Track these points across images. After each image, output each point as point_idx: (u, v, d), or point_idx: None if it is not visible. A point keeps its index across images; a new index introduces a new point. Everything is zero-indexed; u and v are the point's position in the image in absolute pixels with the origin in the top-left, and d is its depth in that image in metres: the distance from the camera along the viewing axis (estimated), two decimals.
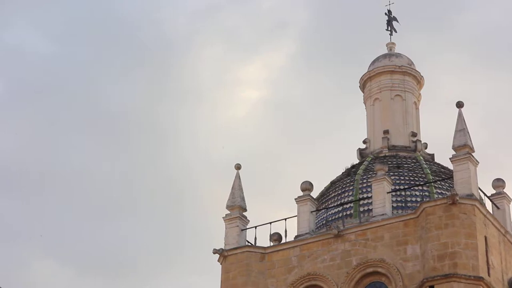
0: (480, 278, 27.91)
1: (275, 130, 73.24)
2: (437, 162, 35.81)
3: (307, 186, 32.76)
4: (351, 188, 33.73)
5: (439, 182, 32.97)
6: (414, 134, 36.82)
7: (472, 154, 30.19)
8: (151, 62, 76.64)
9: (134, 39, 76.72)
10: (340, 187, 34.33)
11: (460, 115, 30.89)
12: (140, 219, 72.60)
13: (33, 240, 71.96)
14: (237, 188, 33.86)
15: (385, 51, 39.61)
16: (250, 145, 70.92)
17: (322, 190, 35.37)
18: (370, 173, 33.45)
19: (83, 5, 79.29)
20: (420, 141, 36.83)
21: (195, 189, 73.25)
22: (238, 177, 34.19)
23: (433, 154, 36.71)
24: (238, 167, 34.31)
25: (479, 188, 30.62)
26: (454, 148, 30.36)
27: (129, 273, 71.76)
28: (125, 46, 77.05)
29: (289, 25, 78.76)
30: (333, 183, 35.33)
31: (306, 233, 32.11)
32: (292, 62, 76.90)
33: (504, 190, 33.01)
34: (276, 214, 52.27)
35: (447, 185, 32.58)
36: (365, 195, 32.77)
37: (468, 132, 30.49)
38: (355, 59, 61.55)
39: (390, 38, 40.10)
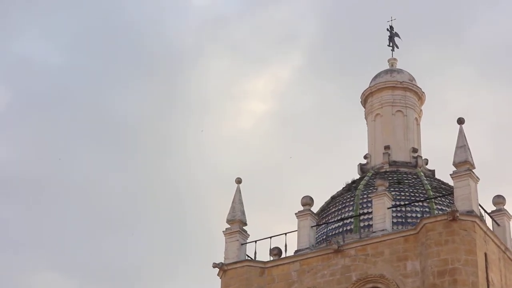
0: None
1: (280, 143, 73.36)
2: (438, 178, 35.82)
3: (307, 201, 32.77)
4: (351, 203, 33.73)
5: (439, 198, 32.97)
6: (415, 150, 36.85)
7: (473, 170, 30.21)
8: (159, 73, 76.95)
9: (143, 50, 77.09)
10: (341, 202, 34.34)
11: (461, 132, 30.93)
12: (143, 230, 72.64)
13: (35, 250, 72.12)
14: (237, 202, 33.88)
15: (387, 66, 39.71)
16: (254, 158, 71.09)
17: (323, 205, 35.37)
18: (371, 188, 33.46)
19: (92, 16, 79.68)
20: (421, 157, 36.86)
21: (200, 201, 73.28)
22: (238, 191, 34.21)
23: (434, 170, 36.74)
24: (238, 181, 34.33)
25: (480, 205, 30.64)
26: (454, 164, 30.39)
27: (131, 285, 71.67)
28: (134, 57, 77.41)
29: (296, 38, 79.14)
30: (333, 198, 35.33)
31: (306, 248, 32.10)
32: (299, 75, 77.21)
33: (505, 207, 33.01)
34: (277, 228, 52.17)
35: (448, 201, 32.57)
36: (365, 211, 32.78)
37: (469, 149, 30.52)
38: (360, 73, 61.65)
39: (392, 54, 40.21)
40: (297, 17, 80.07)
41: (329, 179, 62.05)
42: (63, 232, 72.21)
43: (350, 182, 35.88)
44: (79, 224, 72.08)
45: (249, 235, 33.60)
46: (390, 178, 34.25)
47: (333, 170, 61.82)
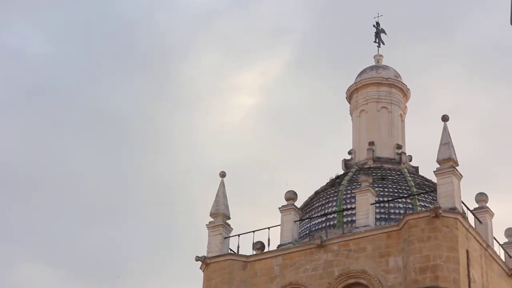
0: None
1: (267, 138, 73.50)
2: (421, 174, 35.94)
3: (291, 196, 32.82)
4: (335, 198, 33.80)
5: (422, 195, 33.08)
6: (399, 147, 36.95)
7: (456, 168, 30.33)
8: (148, 66, 76.90)
9: (132, 43, 77.01)
10: (324, 198, 34.39)
11: (445, 129, 31.02)
12: (131, 224, 72.64)
13: (22, 242, 71.93)
14: (221, 196, 33.88)
15: (373, 63, 39.75)
16: (240, 152, 71.14)
17: (306, 200, 35.42)
18: (354, 184, 33.55)
19: (82, 8, 79.50)
20: (405, 153, 36.95)
21: (187, 195, 73.35)
22: (222, 184, 34.21)
23: (418, 166, 36.86)
24: (223, 174, 34.34)
25: (462, 202, 30.78)
26: (438, 161, 30.49)
27: (117, 278, 71.58)
28: (123, 50, 77.32)
29: (286, 33, 79.21)
30: (317, 193, 35.38)
31: (289, 243, 32.16)
32: (287, 70, 77.31)
33: (487, 205, 33.15)
34: (260, 223, 52.29)
35: (431, 198, 32.69)
36: (348, 206, 32.85)
37: (453, 146, 30.63)
38: (348, 69, 61.84)
39: (378, 50, 40.28)
40: (287, 12, 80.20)
41: (313, 174, 62.24)
42: (50, 224, 72.23)
43: (334, 177, 35.94)
44: (66, 217, 72.10)
45: (232, 228, 33.62)
46: (374, 174, 34.33)
47: (317, 165, 61.98)
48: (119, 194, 73.82)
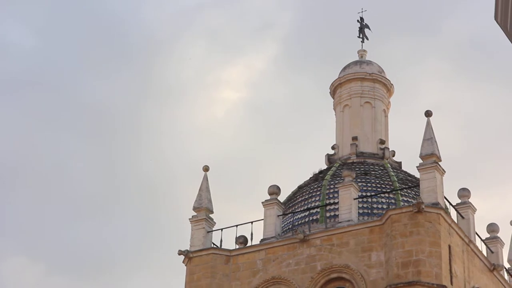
0: (443, 286, 28.10)
1: (251, 133, 73.55)
2: (404, 170, 36.02)
3: (274, 190, 32.81)
4: (318, 193, 33.82)
5: (405, 190, 33.16)
6: (382, 142, 37.01)
7: (439, 163, 30.40)
8: (135, 60, 76.81)
9: (118, 36, 76.85)
10: (307, 192, 34.40)
11: (428, 124, 31.08)
12: (115, 217, 72.57)
13: (3, 236, 71.63)
14: (204, 190, 33.83)
15: (357, 58, 39.78)
16: (225, 147, 71.12)
17: (290, 195, 35.43)
18: (338, 179, 33.57)
19: (69, 0, 79.16)
20: (388, 148, 37.03)
21: (173, 188, 73.31)
22: (206, 179, 34.16)
23: (401, 162, 36.95)
24: (206, 169, 34.29)
25: (445, 197, 30.86)
26: (421, 156, 30.56)
27: (101, 271, 71.58)
28: (109, 43, 77.09)
29: (272, 28, 79.30)
30: (300, 187, 35.41)
31: (272, 237, 32.15)
32: (273, 65, 77.36)
33: (469, 200, 33.26)
34: (244, 217, 52.34)
35: (413, 193, 32.78)
36: (332, 201, 32.88)
37: (435, 141, 30.70)
38: (332, 64, 61.94)
39: (362, 45, 40.35)
40: (273, 7, 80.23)
41: (296, 168, 62.26)
42: (36, 218, 71.94)
43: (317, 172, 35.97)
44: (52, 211, 71.91)
45: (215, 223, 33.60)
46: (357, 169, 34.38)
47: (301, 160, 62.09)
48: (104, 188, 73.76)
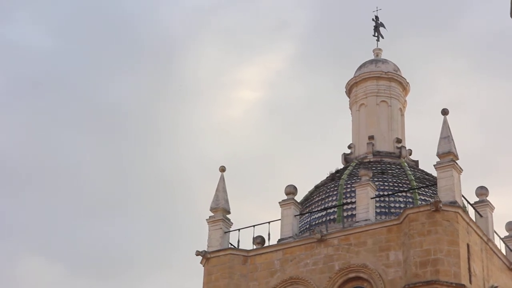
0: (462, 285, 27.98)
1: (269, 132, 73.54)
2: (421, 168, 35.90)
3: (291, 190, 32.78)
4: (335, 193, 33.77)
5: (422, 189, 33.05)
6: (398, 140, 36.91)
7: (456, 161, 30.29)
8: (150, 60, 76.90)
9: (134, 36, 77.02)
10: (324, 192, 34.36)
11: (445, 122, 30.97)
12: (132, 217, 72.70)
13: (22, 237, 71.94)
14: (221, 190, 33.85)
15: (373, 57, 39.69)
16: (242, 146, 71.16)
17: (306, 194, 35.39)
18: (354, 178, 33.51)
19: (84, 2, 79.51)
20: (405, 147, 36.92)
21: (189, 188, 73.40)
22: (222, 179, 34.17)
23: (418, 160, 36.83)
24: (222, 169, 34.30)
25: (463, 196, 30.75)
26: (438, 155, 30.46)
27: (118, 271, 71.80)
28: (124, 44, 77.30)
29: (288, 27, 79.32)
30: (317, 187, 35.36)
31: (289, 237, 32.13)
32: (290, 64, 77.30)
33: (487, 198, 33.13)
34: (261, 217, 52.33)
35: (431, 192, 32.67)
36: (349, 200, 32.81)
37: (452, 140, 30.59)
38: (348, 63, 61.76)
39: (377, 44, 40.25)
40: (288, 6, 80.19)
41: (313, 168, 62.21)
42: (50, 217, 72.32)
43: (334, 171, 35.91)
44: (67, 211, 72.16)
45: (232, 223, 33.60)
46: (373, 168, 34.30)
47: (317, 159, 62.01)
48: (120, 189, 73.92)
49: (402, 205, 32.01)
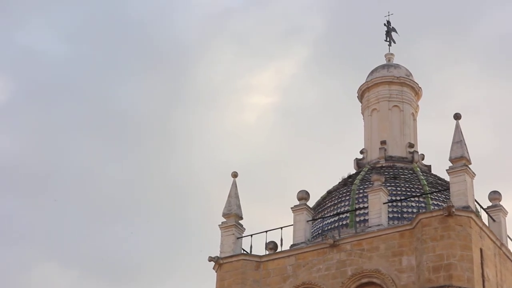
0: None
1: (281, 137, 73.47)
2: (434, 173, 35.83)
3: (303, 195, 32.77)
4: (347, 198, 33.74)
5: (435, 194, 32.98)
6: (411, 145, 36.85)
7: (469, 166, 30.22)
8: (163, 66, 77.00)
9: (147, 42, 77.11)
10: (337, 197, 34.34)
11: (457, 127, 30.90)
12: (145, 223, 72.60)
13: (34, 242, 72.13)
14: (233, 196, 33.87)
15: (385, 61, 39.67)
16: (255, 152, 71.15)
17: (319, 200, 35.38)
18: (367, 183, 33.47)
19: (97, 7, 79.78)
20: (417, 152, 36.86)
21: (201, 194, 73.36)
22: (234, 185, 34.19)
23: (430, 165, 36.76)
24: (234, 175, 34.32)
25: (476, 200, 30.67)
26: (450, 160, 30.40)
27: (131, 277, 71.78)
28: (138, 49, 77.44)
29: (301, 32, 79.26)
30: (329, 192, 35.34)
31: (302, 242, 32.12)
32: (303, 70, 77.27)
33: (501, 203, 33.04)
34: (273, 222, 52.29)
35: (444, 196, 32.59)
36: (361, 205, 32.77)
37: (465, 144, 30.52)
38: (361, 68, 61.65)
39: (389, 49, 40.21)
40: (300, 11, 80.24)
41: (325, 173, 62.14)
42: (63, 223, 72.39)
43: (346, 176, 35.88)
44: (79, 216, 72.23)
45: (245, 229, 33.61)
46: (386, 173, 34.25)
47: (330, 164, 61.96)
48: (133, 194, 73.97)
49: (414, 210, 31.93)
